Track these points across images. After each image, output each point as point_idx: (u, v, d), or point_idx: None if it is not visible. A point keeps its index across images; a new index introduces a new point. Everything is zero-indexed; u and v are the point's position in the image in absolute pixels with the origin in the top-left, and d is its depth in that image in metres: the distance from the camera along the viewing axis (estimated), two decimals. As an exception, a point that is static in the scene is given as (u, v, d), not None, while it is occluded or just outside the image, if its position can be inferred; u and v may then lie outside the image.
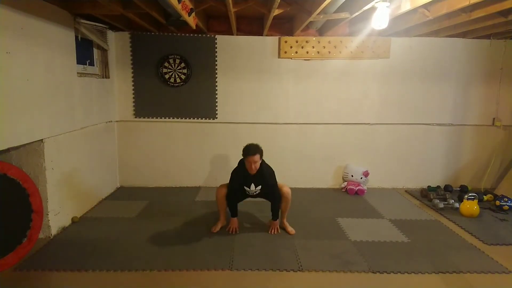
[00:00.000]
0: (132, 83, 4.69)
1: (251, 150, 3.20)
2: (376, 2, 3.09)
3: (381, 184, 5.06)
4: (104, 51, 4.37)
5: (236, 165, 3.46)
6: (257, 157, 3.21)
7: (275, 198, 3.44)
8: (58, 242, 3.22)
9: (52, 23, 3.23)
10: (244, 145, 3.31)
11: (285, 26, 4.64)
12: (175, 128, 4.83)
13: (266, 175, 3.34)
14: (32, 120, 2.98)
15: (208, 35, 4.63)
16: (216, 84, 4.72)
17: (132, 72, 4.66)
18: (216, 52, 4.65)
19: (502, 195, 4.40)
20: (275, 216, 3.50)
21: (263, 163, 3.33)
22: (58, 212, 3.39)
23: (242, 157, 3.31)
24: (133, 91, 4.71)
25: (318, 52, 4.65)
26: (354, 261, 2.96)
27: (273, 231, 3.49)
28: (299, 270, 2.81)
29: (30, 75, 2.94)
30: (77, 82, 3.71)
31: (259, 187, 3.38)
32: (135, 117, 4.76)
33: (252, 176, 3.31)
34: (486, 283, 2.71)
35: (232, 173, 3.44)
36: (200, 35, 4.61)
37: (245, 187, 3.38)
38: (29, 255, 2.96)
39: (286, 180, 4.54)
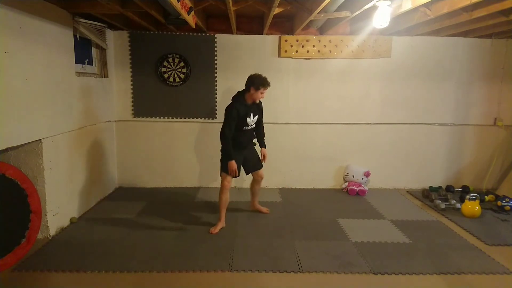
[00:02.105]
0: (131, 83, 4.67)
1: (267, 81, 3.32)
2: (377, 1, 3.08)
3: (382, 185, 5.04)
4: (103, 50, 4.35)
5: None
6: None
7: (262, 125, 3.73)
8: (57, 243, 3.20)
9: (50, 22, 3.21)
10: None
11: (285, 25, 4.61)
12: (174, 128, 4.80)
13: (260, 103, 3.53)
14: (31, 119, 2.96)
15: (208, 34, 4.60)
16: (216, 83, 4.70)
17: (131, 72, 4.64)
18: (216, 51, 4.62)
19: (503, 195, 4.38)
20: (263, 143, 3.75)
21: None
22: (57, 213, 3.37)
23: (238, 93, 3.43)
24: (132, 91, 4.69)
25: (318, 51, 4.63)
26: (355, 262, 2.94)
27: (264, 159, 3.71)
28: (300, 271, 2.79)
29: (29, 74, 2.92)
30: (75, 81, 3.69)
31: (256, 116, 3.52)
32: (134, 117, 4.74)
33: (252, 106, 3.41)
34: (487, 284, 2.69)
35: (232, 110, 3.31)
36: (199, 34, 4.58)
37: (246, 119, 3.41)
38: (28, 255, 2.94)
39: (286, 180, 4.54)
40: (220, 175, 3.58)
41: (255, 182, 3.86)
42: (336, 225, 3.70)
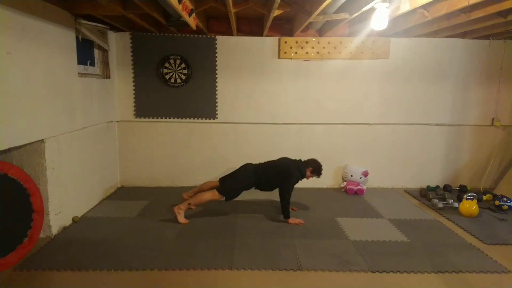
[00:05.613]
0: (133, 84, 4.71)
1: (321, 173, 3.88)
2: (376, 3, 3.11)
3: (380, 184, 5.07)
4: (104, 52, 4.39)
5: (291, 173, 3.74)
6: None
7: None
8: (59, 242, 3.22)
9: (53, 24, 3.25)
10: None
11: (285, 27, 4.65)
12: (176, 128, 4.84)
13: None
14: (33, 120, 2.99)
15: (208, 36, 4.64)
16: (216, 84, 4.74)
17: (133, 73, 4.68)
18: (216, 52, 4.66)
19: (501, 195, 4.42)
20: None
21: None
22: (59, 212, 3.40)
23: (296, 164, 3.80)
24: (133, 92, 4.72)
25: (317, 53, 4.66)
26: (353, 260, 2.97)
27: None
28: (299, 270, 2.82)
29: (31, 75, 2.95)
30: (77, 82, 3.72)
31: None
32: (136, 117, 4.77)
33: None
34: (485, 283, 2.72)
35: (294, 180, 3.74)
36: (200, 35, 4.62)
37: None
38: (30, 254, 2.97)
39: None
40: (218, 191, 3.65)
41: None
42: (334, 224, 3.74)
